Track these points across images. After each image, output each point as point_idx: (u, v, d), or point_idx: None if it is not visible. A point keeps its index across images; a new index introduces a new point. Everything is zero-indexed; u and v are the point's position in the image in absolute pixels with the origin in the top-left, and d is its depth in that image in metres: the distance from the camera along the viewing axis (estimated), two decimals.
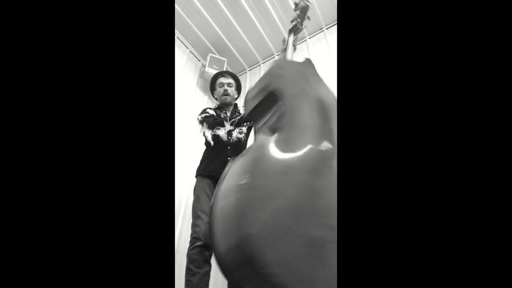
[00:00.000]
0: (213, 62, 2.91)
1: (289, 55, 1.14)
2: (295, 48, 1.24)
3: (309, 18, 1.32)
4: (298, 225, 0.54)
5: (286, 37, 1.31)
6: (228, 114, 1.72)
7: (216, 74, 1.87)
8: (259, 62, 3.18)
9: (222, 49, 3.06)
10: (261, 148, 0.67)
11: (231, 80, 1.80)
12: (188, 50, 3.01)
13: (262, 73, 3.04)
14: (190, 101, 2.72)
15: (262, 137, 0.78)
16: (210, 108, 1.75)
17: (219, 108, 1.76)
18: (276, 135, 0.70)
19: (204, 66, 2.95)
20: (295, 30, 1.30)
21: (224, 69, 2.81)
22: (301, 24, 1.31)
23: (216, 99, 1.86)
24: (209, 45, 3.00)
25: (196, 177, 1.58)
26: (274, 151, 0.65)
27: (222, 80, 1.79)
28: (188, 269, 1.26)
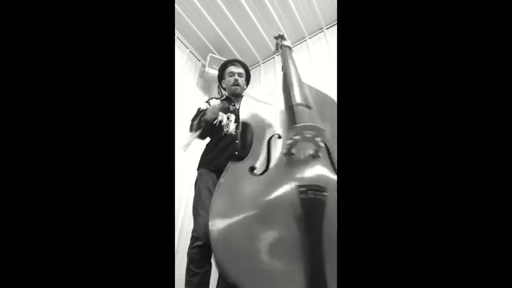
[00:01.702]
0: (213, 62, 2.91)
1: (289, 66, 1.28)
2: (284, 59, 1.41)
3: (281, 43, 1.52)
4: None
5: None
6: (237, 106, 1.58)
7: (226, 62, 1.74)
8: (259, 62, 3.17)
9: (222, 49, 3.06)
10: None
11: (241, 70, 1.67)
12: (188, 50, 3.01)
13: (262, 73, 3.07)
14: (190, 101, 2.71)
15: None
16: (216, 98, 1.64)
17: (227, 99, 1.63)
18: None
19: (204, 66, 2.95)
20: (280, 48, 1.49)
21: None
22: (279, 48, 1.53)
23: (224, 88, 1.73)
24: (209, 45, 3.01)
25: (198, 169, 1.47)
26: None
27: (233, 69, 1.66)
28: (188, 269, 1.23)
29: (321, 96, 1.22)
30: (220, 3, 2.60)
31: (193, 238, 1.27)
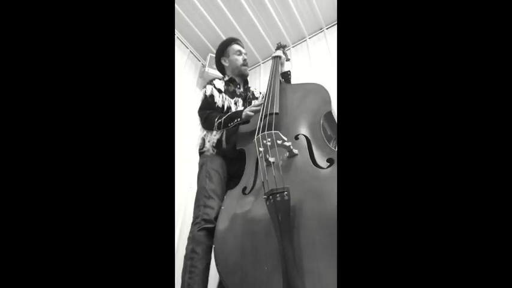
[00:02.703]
0: (213, 62, 2.88)
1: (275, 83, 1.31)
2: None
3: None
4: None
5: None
6: (241, 89, 1.49)
7: (230, 39, 1.58)
8: (259, 62, 3.17)
9: None
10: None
11: (244, 50, 1.56)
12: (188, 50, 3.01)
13: (262, 73, 3.06)
14: (190, 101, 2.71)
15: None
16: (219, 79, 1.47)
17: (232, 81, 1.48)
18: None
19: (204, 66, 2.95)
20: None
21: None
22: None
23: (222, 67, 1.58)
24: (209, 45, 3.00)
25: (203, 152, 1.32)
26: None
27: (240, 48, 1.52)
28: (193, 252, 1.02)
29: (305, 88, 1.26)
30: (220, 3, 2.60)
31: (203, 221, 1.08)
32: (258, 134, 1.00)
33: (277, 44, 1.63)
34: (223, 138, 1.28)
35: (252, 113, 1.20)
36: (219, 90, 1.39)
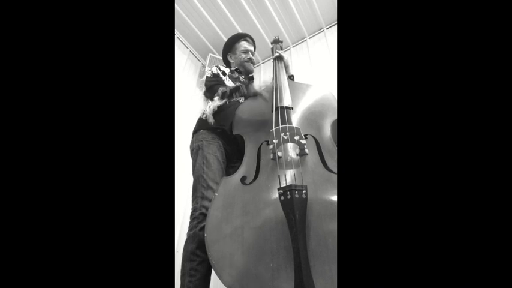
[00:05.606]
0: (213, 62, 2.91)
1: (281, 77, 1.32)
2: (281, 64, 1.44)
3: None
4: None
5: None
6: (245, 79, 1.54)
7: (238, 36, 1.64)
8: (259, 62, 3.17)
9: (222, 49, 3.06)
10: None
11: (253, 48, 1.63)
12: (188, 50, 3.01)
13: (262, 73, 3.07)
14: (190, 101, 2.71)
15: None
16: (224, 66, 1.50)
17: (237, 70, 1.54)
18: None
19: (204, 66, 2.95)
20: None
21: None
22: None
23: (228, 64, 1.63)
24: (209, 45, 3.01)
25: (199, 130, 1.26)
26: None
27: (247, 45, 1.59)
28: (193, 254, 0.95)
29: (312, 91, 1.25)
30: (220, 3, 2.60)
31: (202, 216, 1.00)
32: (278, 125, 0.96)
33: (275, 39, 1.66)
34: (226, 104, 1.26)
35: (259, 91, 1.14)
36: (223, 73, 1.42)
